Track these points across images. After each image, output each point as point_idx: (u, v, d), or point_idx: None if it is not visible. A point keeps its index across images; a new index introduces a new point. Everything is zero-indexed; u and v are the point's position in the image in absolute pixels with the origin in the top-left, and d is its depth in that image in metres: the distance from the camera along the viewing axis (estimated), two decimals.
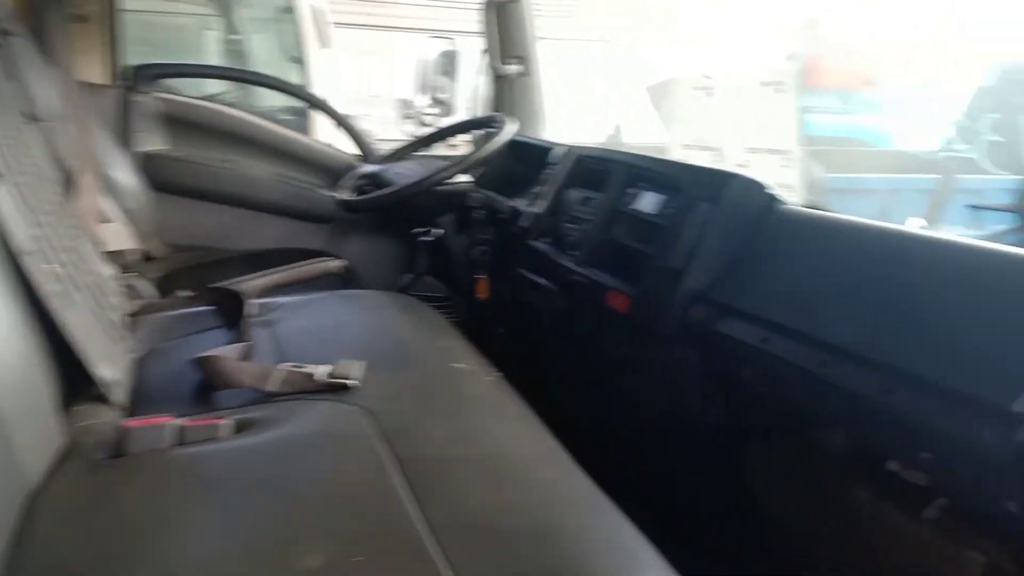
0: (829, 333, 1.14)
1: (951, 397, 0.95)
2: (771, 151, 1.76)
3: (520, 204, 1.95)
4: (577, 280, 1.63)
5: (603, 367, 1.62)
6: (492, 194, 2.11)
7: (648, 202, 1.57)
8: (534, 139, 2.25)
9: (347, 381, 1.08)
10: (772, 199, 1.40)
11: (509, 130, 1.99)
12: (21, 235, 0.94)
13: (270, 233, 2.32)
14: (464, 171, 1.96)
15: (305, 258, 2.07)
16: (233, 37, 4.78)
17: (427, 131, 2.39)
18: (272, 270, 1.57)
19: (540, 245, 1.81)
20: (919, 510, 1.13)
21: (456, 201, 2.04)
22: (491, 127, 2.05)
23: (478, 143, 1.97)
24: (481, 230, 2.07)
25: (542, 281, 1.77)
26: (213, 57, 4.66)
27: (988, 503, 1.01)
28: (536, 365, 2.05)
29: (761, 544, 1.48)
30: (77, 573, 0.74)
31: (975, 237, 1.49)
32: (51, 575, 0.74)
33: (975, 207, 1.77)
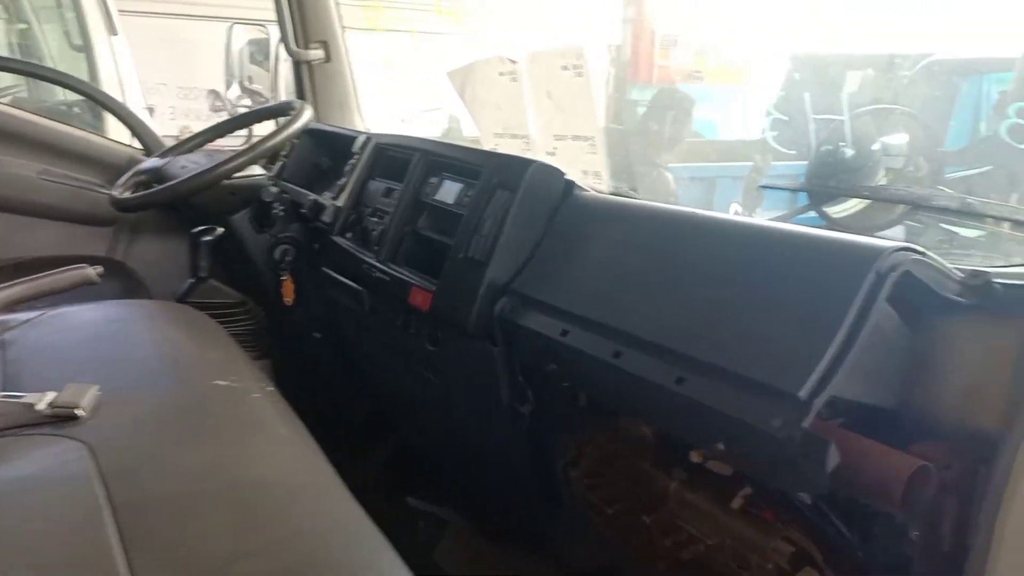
0: (624, 322, 1.08)
1: (742, 384, 0.91)
2: (576, 137, 1.71)
3: (324, 198, 1.80)
4: (380, 278, 1.51)
5: (413, 369, 1.52)
6: (294, 187, 1.95)
7: (449, 191, 1.47)
8: (335, 127, 2.11)
9: (73, 411, 0.90)
10: (570, 186, 1.35)
11: (304, 117, 1.84)
12: None
13: (42, 239, 2.04)
14: (254, 162, 1.79)
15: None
16: (20, 26, 4.31)
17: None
18: (12, 282, 1.35)
19: (343, 241, 1.68)
20: (727, 500, 1.10)
21: (250, 196, 1.87)
22: (286, 115, 1.88)
23: (267, 135, 1.81)
24: (283, 227, 1.91)
25: (347, 281, 1.64)
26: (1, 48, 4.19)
27: (784, 491, 0.99)
28: (351, 369, 1.92)
29: (583, 537, 1.43)
30: None
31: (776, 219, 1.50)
32: None
33: (766, 187, 1.83)
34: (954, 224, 1.35)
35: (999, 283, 0.88)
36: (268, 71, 3.28)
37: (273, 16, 2.30)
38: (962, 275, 0.91)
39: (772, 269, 0.98)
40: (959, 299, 0.90)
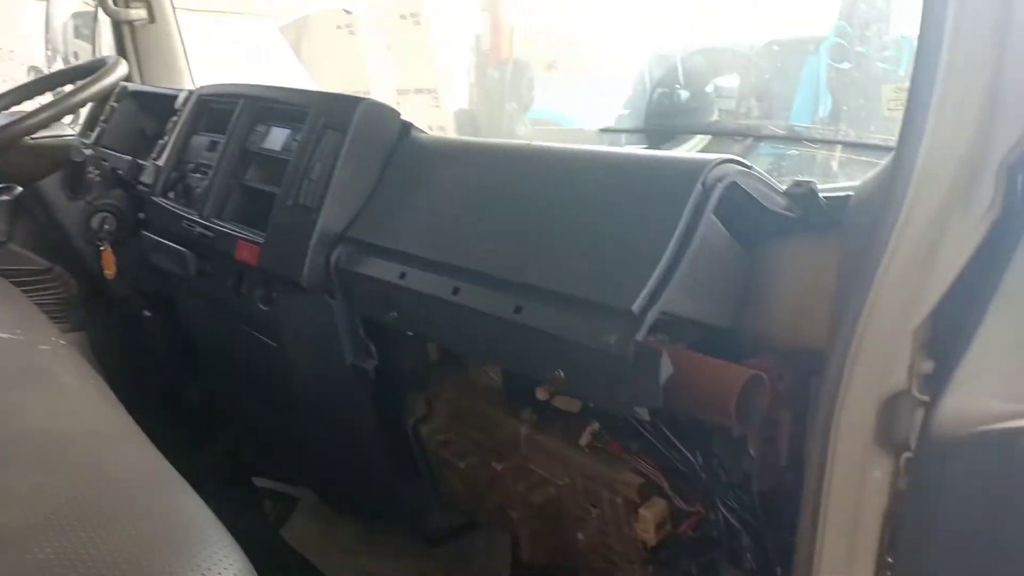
0: (461, 258, 1.03)
1: (578, 306, 0.88)
2: (419, 91, 1.65)
3: (139, 159, 1.65)
4: (203, 234, 1.39)
5: (247, 335, 1.40)
6: (113, 153, 1.78)
7: (277, 138, 1.37)
8: (155, 88, 1.95)
9: None
10: (407, 127, 1.28)
11: (118, 72, 1.67)
12: None
13: None
14: (57, 118, 1.61)
15: None
16: None
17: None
18: None
19: (164, 202, 1.54)
20: (575, 438, 1.08)
21: (59, 158, 1.68)
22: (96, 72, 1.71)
23: (73, 90, 1.63)
24: (102, 194, 1.73)
25: (171, 244, 1.51)
26: None
27: (623, 412, 0.97)
28: (185, 348, 1.77)
29: (436, 499, 1.38)
30: None
31: None
32: None
33: (606, 130, 1.84)
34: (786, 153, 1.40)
35: (823, 196, 0.89)
36: (95, 46, 3.03)
37: None
38: (786, 188, 0.91)
39: (604, 192, 0.95)
40: (786, 213, 0.90)
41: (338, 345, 1.26)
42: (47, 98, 1.76)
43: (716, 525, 0.97)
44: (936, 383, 0.71)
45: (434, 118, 1.49)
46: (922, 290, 0.70)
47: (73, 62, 3.06)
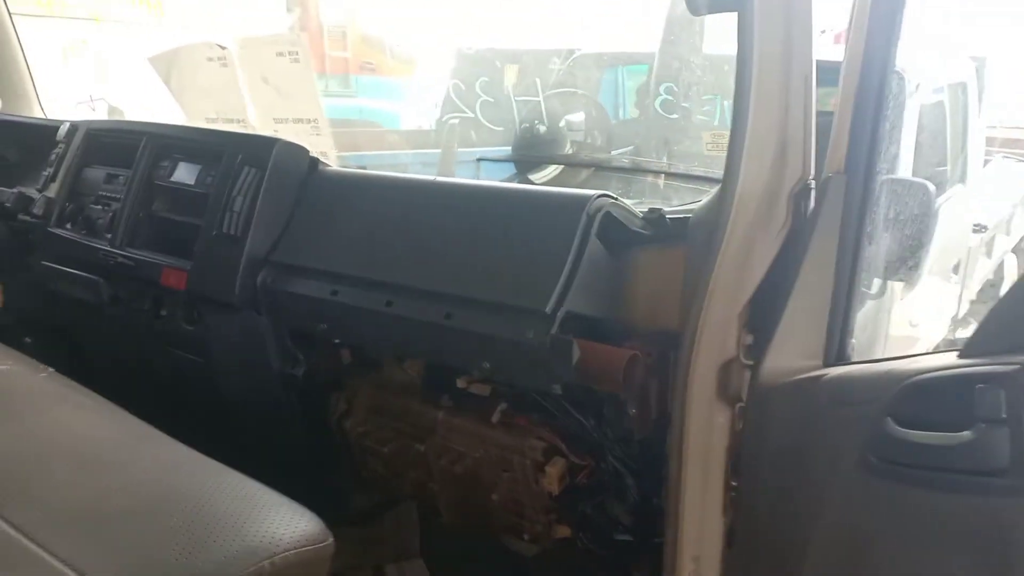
0: (392, 276, 1.25)
1: (500, 310, 1.13)
2: (298, 120, 1.80)
3: (29, 190, 1.69)
4: (122, 263, 1.49)
5: (174, 350, 1.52)
6: None
7: (187, 173, 1.50)
8: (25, 117, 1.96)
9: None
10: (315, 161, 1.47)
11: None
12: None
13: None
14: None
15: None
16: None
17: None
18: None
19: (65, 232, 1.61)
20: (488, 416, 1.32)
21: None
22: None
23: None
24: None
25: (77, 271, 1.58)
26: None
27: (538, 392, 1.23)
28: (81, 373, 1.81)
29: (362, 478, 1.56)
30: None
31: None
32: None
33: (482, 159, 2.10)
34: (628, 178, 1.73)
35: (669, 217, 1.20)
36: None
37: None
38: (643, 213, 1.21)
39: (508, 219, 1.21)
40: (643, 232, 1.20)
41: (265, 355, 1.42)
42: None
43: (605, 472, 1.26)
44: (756, 351, 1.01)
45: (314, 144, 1.65)
46: (743, 284, 1.01)
47: None
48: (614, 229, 1.18)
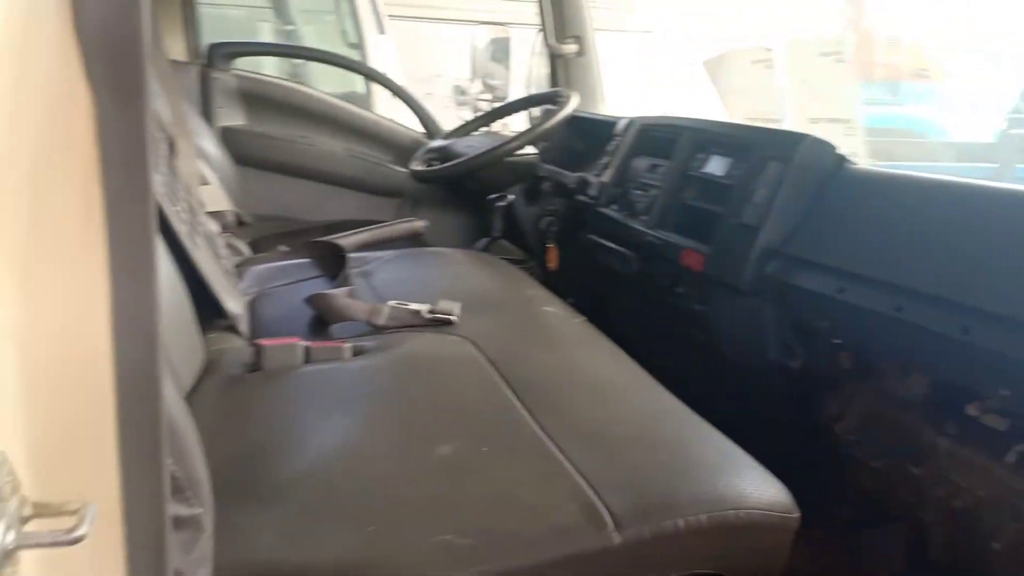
0: (904, 279, 1.18)
1: None
2: (833, 120, 1.79)
3: (587, 175, 2.01)
4: (651, 242, 1.69)
5: (681, 323, 1.67)
6: (553, 168, 2.18)
7: (717, 165, 1.62)
8: (594, 114, 2.31)
9: (449, 316, 1.15)
10: (841, 159, 1.45)
11: (573, 103, 2.05)
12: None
13: (344, 206, 2.42)
14: (531, 142, 2.03)
15: None
16: (287, 28, 4.95)
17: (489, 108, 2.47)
18: (361, 229, 1.66)
19: (610, 212, 1.88)
20: (1000, 455, 1.17)
21: (524, 172, 2.11)
22: (554, 102, 2.11)
23: (541, 118, 2.04)
24: (548, 201, 2.14)
25: (614, 246, 1.84)
26: None
27: None
28: (611, 328, 2.12)
29: (843, 488, 1.52)
30: (230, 465, 0.82)
31: None
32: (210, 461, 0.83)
33: None
34: None
35: None
36: (507, 68, 3.58)
37: (511, 18, 2.55)
38: None
39: None
40: None
41: (766, 342, 1.47)
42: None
43: None
44: None
45: (846, 144, 1.62)
46: None
47: (488, 82, 3.61)
48: None
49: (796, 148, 1.44)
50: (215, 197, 1.63)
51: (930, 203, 1.26)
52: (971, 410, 1.19)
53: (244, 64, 2.46)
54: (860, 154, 1.73)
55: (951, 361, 1.12)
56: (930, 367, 1.21)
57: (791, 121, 1.94)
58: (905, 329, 1.16)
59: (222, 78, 2.33)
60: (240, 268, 1.48)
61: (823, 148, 1.46)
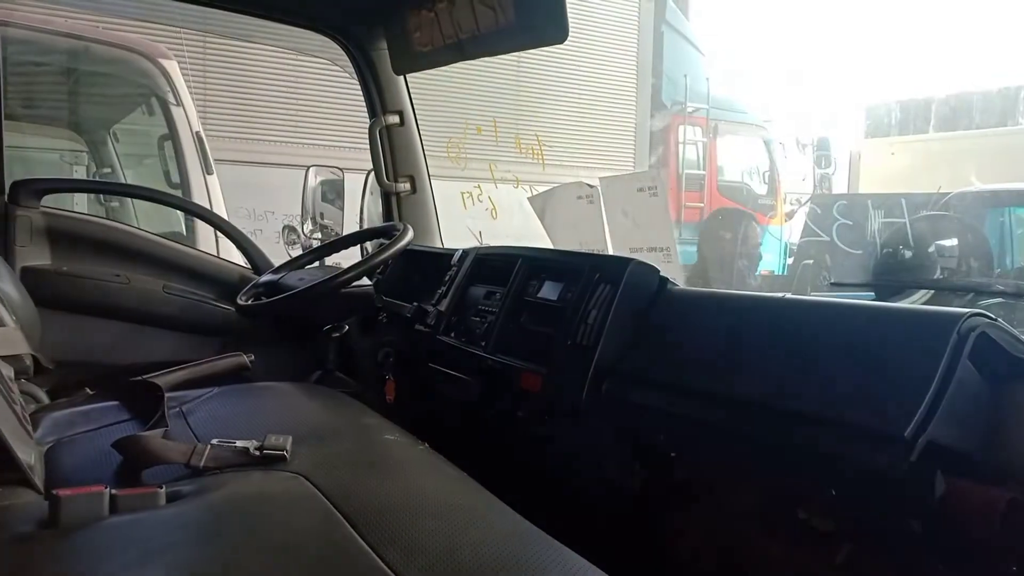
0: (727, 389, 1.24)
1: (850, 431, 1.06)
2: (651, 249, 1.93)
3: (424, 305, 2.01)
4: (491, 366, 1.68)
5: (525, 447, 1.66)
6: (390, 300, 2.16)
7: (551, 290, 1.67)
8: (430, 246, 2.35)
9: (280, 452, 1.07)
10: (665, 280, 1.54)
11: (408, 235, 2.07)
12: None
13: (160, 347, 2.25)
14: (367, 274, 2.01)
15: None
16: (104, 171, 4.76)
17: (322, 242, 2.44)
18: (178, 367, 1.54)
19: (449, 339, 1.87)
20: (831, 558, 1.21)
21: (359, 304, 2.08)
22: (388, 235, 2.12)
23: (376, 251, 2.05)
24: (385, 332, 2.10)
25: (454, 373, 1.82)
26: None
27: (892, 528, 1.11)
28: (455, 455, 2.05)
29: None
30: None
31: None
32: None
33: (836, 284, 2.00)
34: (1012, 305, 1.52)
35: None
36: (340, 209, 3.59)
37: (342, 162, 2.61)
38: None
39: (866, 336, 1.15)
40: None
41: (607, 463, 1.47)
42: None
43: None
44: None
45: (665, 271, 1.73)
46: None
47: (320, 221, 3.60)
48: (991, 353, 1.05)
49: (624, 271, 1.52)
50: (11, 340, 1.47)
51: (745, 318, 1.35)
52: (801, 513, 1.24)
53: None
54: (678, 280, 1.84)
55: (780, 466, 1.16)
56: (761, 474, 1.25)
57: (613, 250, 2.06)
58: (733, 438, 1.21)
59: (26, 215, 2.16)
60: (35, 416, 1.32)
61: (648, 270, 1.54)
